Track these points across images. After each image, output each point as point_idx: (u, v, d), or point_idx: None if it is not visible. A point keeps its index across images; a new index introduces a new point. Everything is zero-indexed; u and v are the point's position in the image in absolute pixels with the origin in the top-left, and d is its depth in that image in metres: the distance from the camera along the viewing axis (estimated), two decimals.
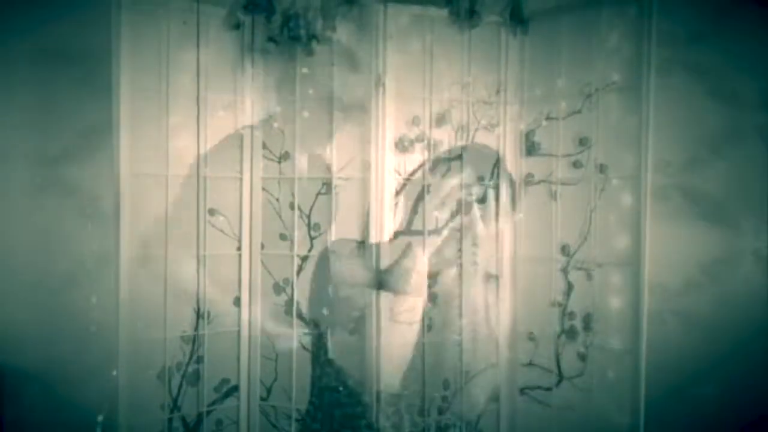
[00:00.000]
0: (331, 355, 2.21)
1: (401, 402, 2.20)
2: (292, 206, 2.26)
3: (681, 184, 2.40)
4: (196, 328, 2.22)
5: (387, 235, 2.18)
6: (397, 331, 2.20)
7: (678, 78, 2.37)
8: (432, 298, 2.24)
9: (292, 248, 2.25)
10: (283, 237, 2.27)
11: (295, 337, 2.26)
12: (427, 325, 2.24)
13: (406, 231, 2.23)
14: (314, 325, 2.25)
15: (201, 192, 2.22)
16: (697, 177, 2.40)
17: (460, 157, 2.26)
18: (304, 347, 2.26)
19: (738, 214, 2.41)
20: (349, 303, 2.20)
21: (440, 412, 2.26)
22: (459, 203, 2.26)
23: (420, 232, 2.24)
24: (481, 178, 2.28)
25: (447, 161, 2.25)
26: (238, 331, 2.27)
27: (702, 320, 2.39)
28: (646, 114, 2.01)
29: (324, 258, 2.22)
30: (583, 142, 2.17)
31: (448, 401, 2.27)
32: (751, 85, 2.40)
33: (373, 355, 2.16)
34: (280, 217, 2.27)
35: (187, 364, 2.21)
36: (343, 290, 2.21)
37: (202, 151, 2.21)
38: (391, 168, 2.19)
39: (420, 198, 2.24)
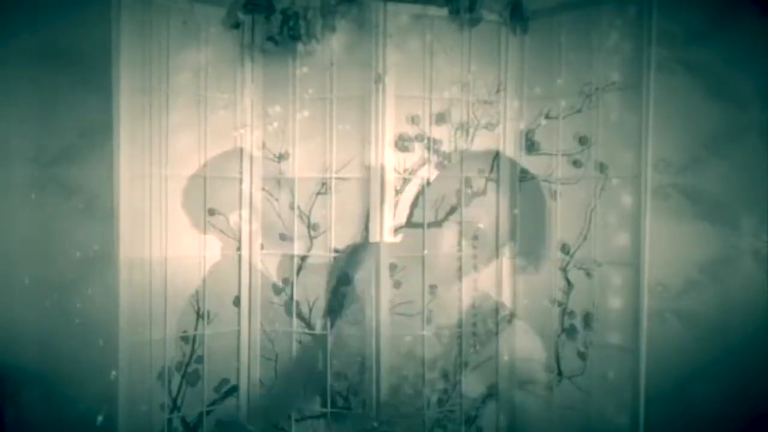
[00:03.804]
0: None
1: (400, 394, 2.21)
2: (291, 206, 2.26)
3: (681, 184, 2.40)
4: (196, 328, 2.22)
5: (387, 232, 2.18)
6: (397, 323, 2.21)
7: (678, 77, 2.36)
8: (431, 290, 2.24)
9: (291, 248, 2.26)
10: (282, 237, 2.27)
11: (294, 336, 2.27)
12: (427, 317, 2.24)
13: (407, 224, 2.23)
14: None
15: (201, 192, 2.22)
16: (697, 176, 2.40)
17: (461, 153, 2.26)
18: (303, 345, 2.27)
19: (738, 213, 2.40)
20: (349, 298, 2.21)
21: (440, 404, 2.27)
22: (459, 196, 2.26)
23: (420, 225, 2.24)
24: (481, 171, 2.29)
25: (447, 155, 2.25)
26: (238, 331, 2.27)
27: (702, 320, 2.39)
28: (646, 113, 2.01)
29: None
30: (583, 141, 2.17)
31: (447, 394, 2.27)
32: (752, 84, 2.40)
33: (372, 349, 2.17)
34: (279, 217, 2.27)
35: (187, 364, 2.21)
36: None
37: (201, 151, 2.21)
38: (391, 167, 2.19)
39: (420, 192, 2.24)
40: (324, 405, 2.24)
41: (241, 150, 2.26)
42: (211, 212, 2.23)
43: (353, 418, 2.21)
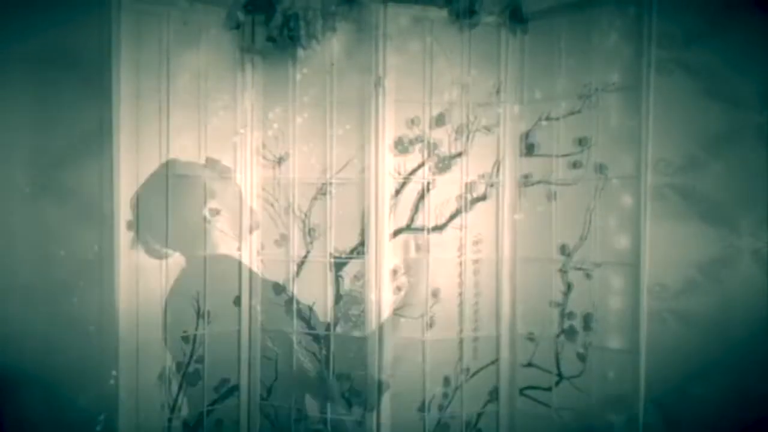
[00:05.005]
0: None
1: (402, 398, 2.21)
2: (291, 208, 2.26)
3: (680, 184, 2.39)
4: (197, 328, 2.23)
5: (386, 235, 2.18)
6: (399, 326, 2.22)
7: (677, 78, 2.36)
8: (433, 294, 2.24)
9: (291, 250, 2.26)
10: (282, 238, 2.27)
11: (295, 336, 2.27)
12: (428, 322, 2.25)
13: (408, 228, 2.24)
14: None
15: (201, 193, 2.22)
16: (697, 177, 2.40)
17: (461, 155, 2.27)
18: (304, 346, 2.27)
19: (737, 214, 2.40)
20: (352, 299, 2.22)
21: (440, 408, 2.27)
22: (460, 200, 2.27)
23: (421, 229, 2.24)
24: (482, 176, 2.29)
25: (448, 159, 2.25)
26: (238, 331, 2.28)
27: (701, 320, 2.39)
28: (646, 114, 2.01)
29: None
30: (582, 142, 2.17)
31: (448, 398, 2.28)
32: (751, 85, 2.40)
33: (375, 352, 2.18)
34: (279, 218, 2.28)
35: (188, 365, 2.22)
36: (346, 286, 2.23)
37: (202, 153, 2.21)
38: (390, 169, 2.19)
39: (421, 195, 2.25)
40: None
41: (241, 152, 2.26)
42: (212, 213, 2.24)
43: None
